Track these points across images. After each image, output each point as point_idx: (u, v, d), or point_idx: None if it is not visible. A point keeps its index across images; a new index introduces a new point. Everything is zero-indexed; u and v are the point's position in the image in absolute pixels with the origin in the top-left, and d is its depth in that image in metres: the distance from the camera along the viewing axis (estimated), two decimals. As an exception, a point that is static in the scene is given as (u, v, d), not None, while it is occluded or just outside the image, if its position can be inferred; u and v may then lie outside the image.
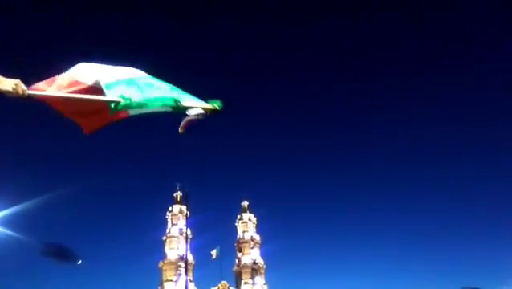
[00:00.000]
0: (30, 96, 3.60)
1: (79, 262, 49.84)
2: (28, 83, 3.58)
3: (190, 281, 57.29)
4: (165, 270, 56.59)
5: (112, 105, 3.88)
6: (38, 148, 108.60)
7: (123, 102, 3.87)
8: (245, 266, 60.74)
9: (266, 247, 64.20)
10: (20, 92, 3.52)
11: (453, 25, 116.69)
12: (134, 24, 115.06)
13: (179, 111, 4.11)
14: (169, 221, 60.91)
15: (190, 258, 58.48)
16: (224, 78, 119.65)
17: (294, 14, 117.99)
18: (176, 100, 4.07)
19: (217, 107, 4.12)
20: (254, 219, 65.79)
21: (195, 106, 4.11)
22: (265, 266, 61.86)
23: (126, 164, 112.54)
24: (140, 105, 3.98)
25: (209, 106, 4.12)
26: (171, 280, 55.77)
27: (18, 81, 3.52)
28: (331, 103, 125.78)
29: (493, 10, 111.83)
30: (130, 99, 3.90)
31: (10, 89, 3.48)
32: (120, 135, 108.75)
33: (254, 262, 60.99)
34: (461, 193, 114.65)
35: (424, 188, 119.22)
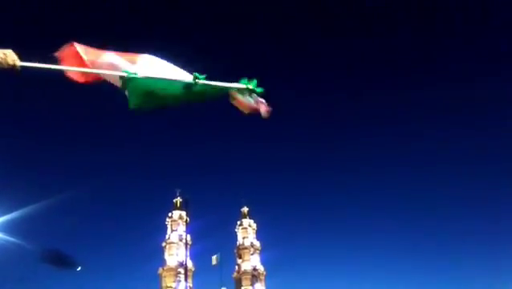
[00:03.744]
0: (21, 68, 3.36)
1: (79, 269, 49.44)
2: (22, 56, 3.32)
3: (190, 288, 56.95)
4: (165, 277, 56.24)
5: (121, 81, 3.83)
6: (37, 153, 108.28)
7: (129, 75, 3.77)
8: (245, 272, 60.38)
9: (266, 253, 63.90)
10: (10, 63, 3.23)
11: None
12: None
13: (195, 94, 3.78)
14: (169, 227, 60.63)
15: (190, 264, 58.10)
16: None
17: (297, 31, 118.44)
18: (195, 77, 3.75)
19: (253, 88, 3.82)
20: (254, 225, 65.46)
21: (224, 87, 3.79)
22: (265, 273, 61.50)
23: (126, 169, 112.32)
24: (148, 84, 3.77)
25: (242, 86, 3.80)
26: (170, 287, 55.41)
27: (9, 51, 3.26)
28: (333, 111, 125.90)
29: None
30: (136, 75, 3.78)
31: None
32: (120, 140, 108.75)
33: (254, 269, 60.65)
34: (460, 193, 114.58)
35: (421, 193, 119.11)
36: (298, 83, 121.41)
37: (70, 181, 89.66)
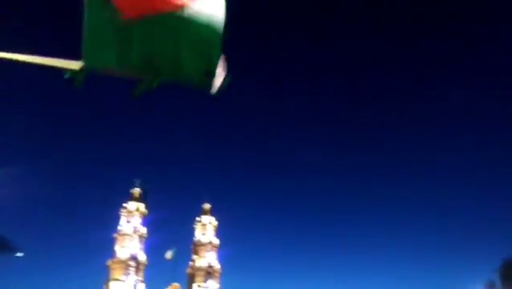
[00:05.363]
0: None
1: (21, 255, 46.39)
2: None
3: (141, 281, 54.82)
4: (114, 269, 53.92)
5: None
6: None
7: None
8: (199, 268, 58.74)
9: (224, 251, 62.26)
10: None
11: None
12: None
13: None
14: (123, 218, 58.10)
15: (143, 257, 56.09)
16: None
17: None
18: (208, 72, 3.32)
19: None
20: (215, 223, 63.78)
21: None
22: (220, 270, 59.86)
23: (81, 151, 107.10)
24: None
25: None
26: (118, 279, 52.86)
27: None
28: (293, 111, 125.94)
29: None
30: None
31: None
32: (79, 121, 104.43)
33: (210, 266, 59.04)
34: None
35: (400, 191, 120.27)
36: (261, 77, 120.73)
37: (17, 157, 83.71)
